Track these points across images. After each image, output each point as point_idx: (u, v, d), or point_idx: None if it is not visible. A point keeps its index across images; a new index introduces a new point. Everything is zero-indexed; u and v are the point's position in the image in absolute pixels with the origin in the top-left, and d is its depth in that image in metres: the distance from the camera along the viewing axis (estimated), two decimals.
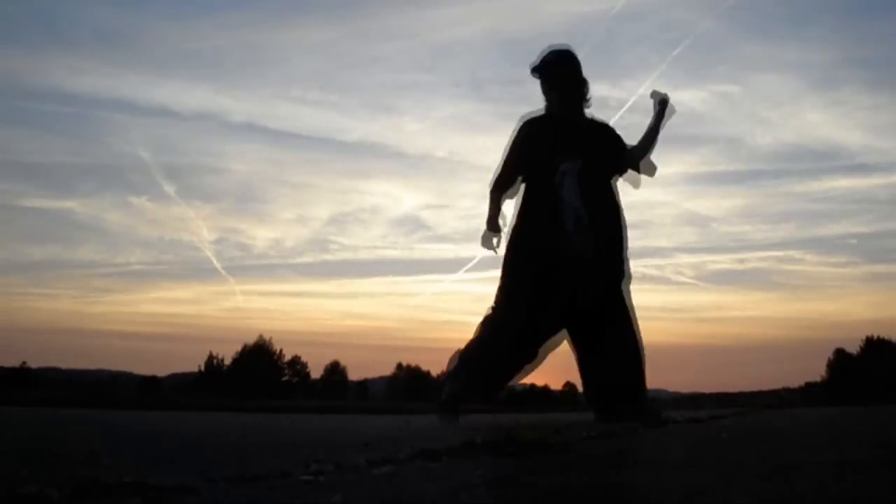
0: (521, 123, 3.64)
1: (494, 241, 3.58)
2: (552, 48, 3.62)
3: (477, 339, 3.48)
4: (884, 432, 2.48)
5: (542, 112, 3.62)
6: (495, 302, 3.49)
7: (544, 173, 3.48)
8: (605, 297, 3.43)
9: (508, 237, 3.56)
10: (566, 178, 3.45)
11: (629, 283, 3.56)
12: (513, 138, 3.65)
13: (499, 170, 3.65)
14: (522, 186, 3.61)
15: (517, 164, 3.60)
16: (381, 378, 62.43)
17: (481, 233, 3.64)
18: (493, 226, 3.60)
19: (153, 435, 2.31)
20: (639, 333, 3.54)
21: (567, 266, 3.39)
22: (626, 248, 3.58)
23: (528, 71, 3.61)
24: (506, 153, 3.63)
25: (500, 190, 3.65)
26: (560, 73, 3.57)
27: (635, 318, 3.54)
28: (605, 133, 3.68)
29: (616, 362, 3.44)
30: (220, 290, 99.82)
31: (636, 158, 3.71)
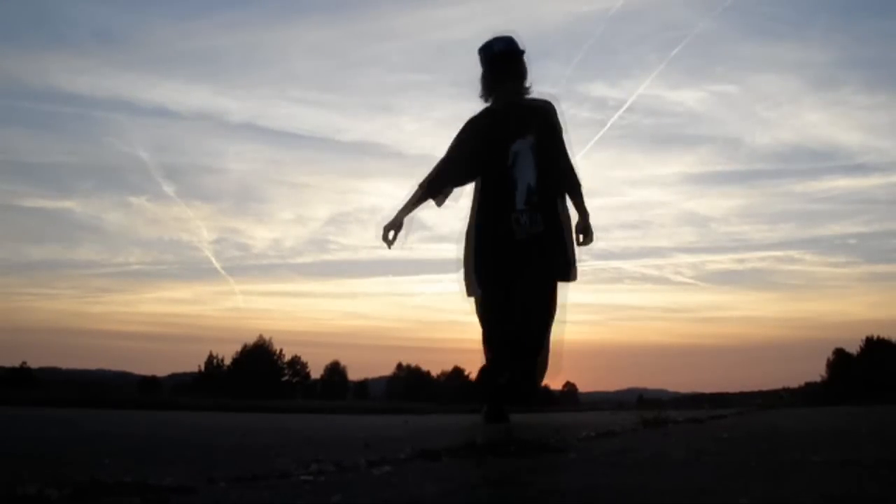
0: (465, 123, 3.53)
1: (391, 234, 3.49)
2: (497, 36, 3.46)
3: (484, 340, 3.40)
4: (884, 432, 2.48)
5: (485, 107, 3.50)
6: (471, 294, 3.42)
7: (497, 158, 3.40)
8: (542, 277, 3.33)
9: (467, 227, 3.47)
10: (518, 157, 3.38)
11: (573, 276, 3.43)
12: (457, 136, 3.54)
13: (437, 169, 3.52)
14: (473, 184, 3.52)
15: (460, 161, 3.49)
16: (381, 378, 62.53)
17: (385, 222, 3.51)
18: (399, 220, 3.50)
19: (153, 435, 2.31)
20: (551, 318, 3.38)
21: (515, 245, 3.32)
22: (571, 232, 3.46)
23: (484, 56, 3.44)
24: (448, 151, 3.52)
25: (431, 188, 3.53)
26: (519, 64, 3.46)
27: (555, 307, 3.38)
28: (546, 113, 3.52)
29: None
30: (220, 290, 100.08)
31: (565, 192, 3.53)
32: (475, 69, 3.57)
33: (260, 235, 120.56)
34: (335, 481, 1.12)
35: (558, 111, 3.55)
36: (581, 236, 3.51)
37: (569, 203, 3.52)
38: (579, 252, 3.51)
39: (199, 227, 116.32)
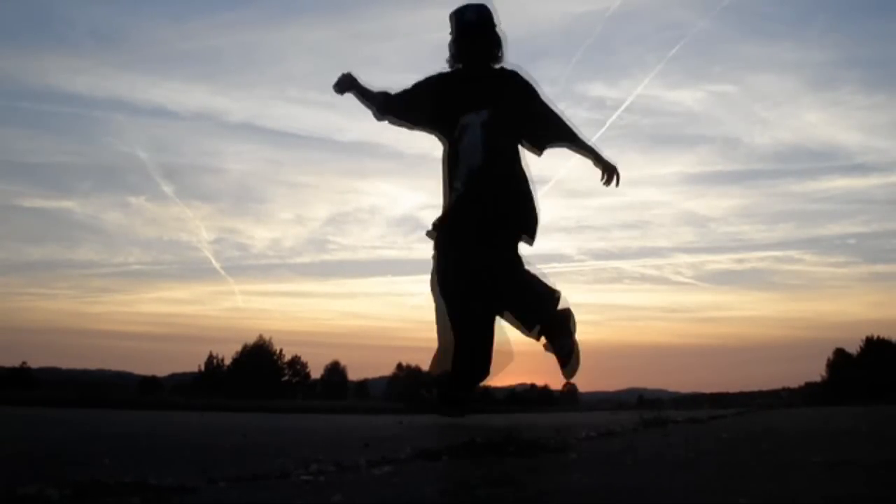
0: (433, 76, 3.44)
1: (344, 86, 3.45)
2: (469, 3, 3.35)
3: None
4: (884, 432, 2.48)
5: (449, 69, 3.42)
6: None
7: (447, 128, 3.33)
8: (490, 262, 3.20)
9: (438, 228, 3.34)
10: (466, 131, 3.27)
11: (532, 240, 3.31)
12: (422, 81, 3.45)
13: (399, 95, 3.43)
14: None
15: (413, 101, 3.41)
16: (381, 378, 62.49)
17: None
18: (351, 82, 3.43)
19: (153, 435, 2.31)
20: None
21: (453, 229, 3.24)
22: (535, 208, 3.31)
23: (455, 24, 3.33)
24: (411, 88, 3.44)
25: (389, 102, 3.43)
26: (490, 34, 3.35)
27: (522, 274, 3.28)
28: (514, 81, 3.38)
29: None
30: (220, 290, 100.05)
31: (556, 139, 3.39)
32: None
33: (259, 235, 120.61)
34: (335, 481, 1.12)
35: (526, 77, 3.41)
36: (604, 176, 3.37)
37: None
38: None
39: (198, 227, 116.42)
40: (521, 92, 3.40)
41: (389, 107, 3.47)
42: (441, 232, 3.32)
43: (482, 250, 3.22)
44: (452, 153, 3.33)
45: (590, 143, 3.45)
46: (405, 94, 3.47)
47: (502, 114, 3.30)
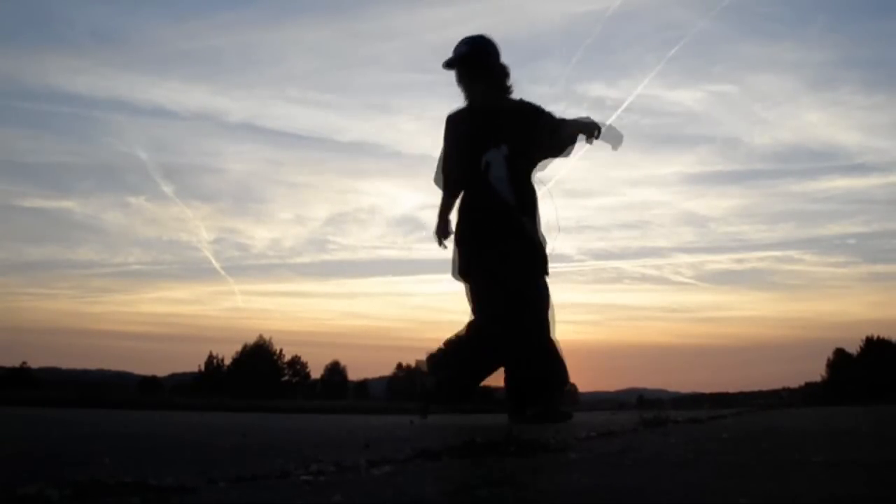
0: (447, 123, 3.54)
1: (443, 234, 3.61)
2: (465, 39, 3.42)
3: (460, 337, 3.43)
4: (884, 432, 2.48)
5: (464, 105, 3.48)
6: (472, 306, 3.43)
7: (473, 163, 3.39)
8: (526, 271, 3.35)
9: (455, 236, 3.49)
10: (491, 167, 3.36)
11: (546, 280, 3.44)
12: (447, 137, 3.54)
13: (443, 168, 3.55)
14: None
15: (460, 158, 3.50)
16: (381, 378, 62.48)
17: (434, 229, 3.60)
18: (445, 229, 3.58)
19: (153, 435, 2.31)
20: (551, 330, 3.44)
21: (498, 218, 3.35)
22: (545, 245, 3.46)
23: (449, 66, 3.42)
24: (444, 152, 3.55)
25: (455, 187, 3.55)
26: (477, 64, 3.40)
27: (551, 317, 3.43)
28: (532, 113, 3.45)
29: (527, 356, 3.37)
30: (220, 290, 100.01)
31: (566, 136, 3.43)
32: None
33: (259, 235, 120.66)
34: (335, 481, 1.12)
35: (540, 107, 3.46)
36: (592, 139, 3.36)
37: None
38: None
39: (198, 227, 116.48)
40: (541, 121, 3.44)
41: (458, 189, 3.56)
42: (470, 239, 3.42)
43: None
44: (477, 184, 3.41)
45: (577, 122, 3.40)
46: (454, 169, 3.53)
47: (521, 147, 3.39)
